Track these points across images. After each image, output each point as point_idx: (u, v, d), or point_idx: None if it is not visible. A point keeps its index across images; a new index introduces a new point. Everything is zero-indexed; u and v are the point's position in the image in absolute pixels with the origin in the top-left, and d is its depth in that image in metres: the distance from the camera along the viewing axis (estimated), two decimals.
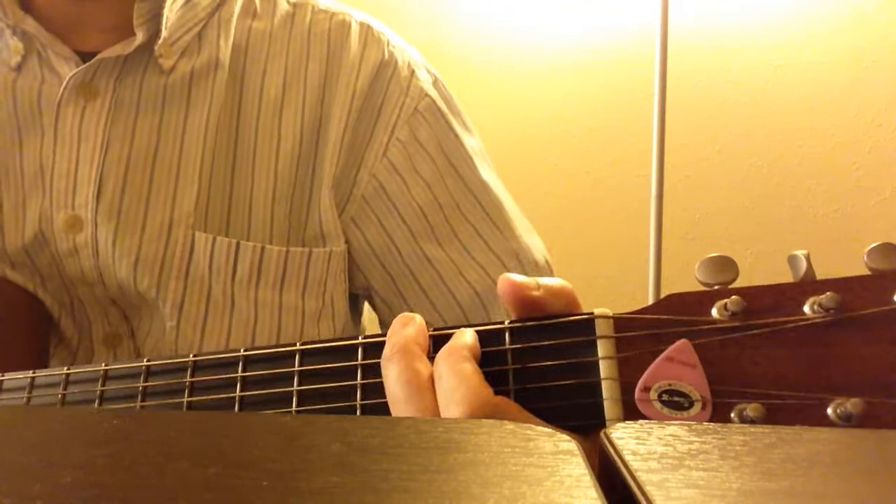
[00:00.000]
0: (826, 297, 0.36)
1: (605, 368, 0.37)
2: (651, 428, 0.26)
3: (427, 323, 0.68)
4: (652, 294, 1.47)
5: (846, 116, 1.68)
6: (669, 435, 0.25)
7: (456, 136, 0.68)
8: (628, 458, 0.23)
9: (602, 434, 0.25)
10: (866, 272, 0.36)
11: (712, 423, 0.27)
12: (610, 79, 1.76)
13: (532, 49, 1.80)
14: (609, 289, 1.69)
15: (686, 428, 0.26)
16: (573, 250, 1.72)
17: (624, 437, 0.25)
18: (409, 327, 0.40)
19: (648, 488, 0.21)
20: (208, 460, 0.23)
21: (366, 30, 0.69)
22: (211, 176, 0.63)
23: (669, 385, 0.36)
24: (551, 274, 0.68)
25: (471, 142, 0.69)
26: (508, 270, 0.66)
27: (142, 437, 0.26)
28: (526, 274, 0.68)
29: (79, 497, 0.21)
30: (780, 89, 1.70)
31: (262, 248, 0.62)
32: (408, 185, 0.66)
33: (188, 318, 0.61)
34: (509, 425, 0.26)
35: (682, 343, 0.37)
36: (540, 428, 0.25)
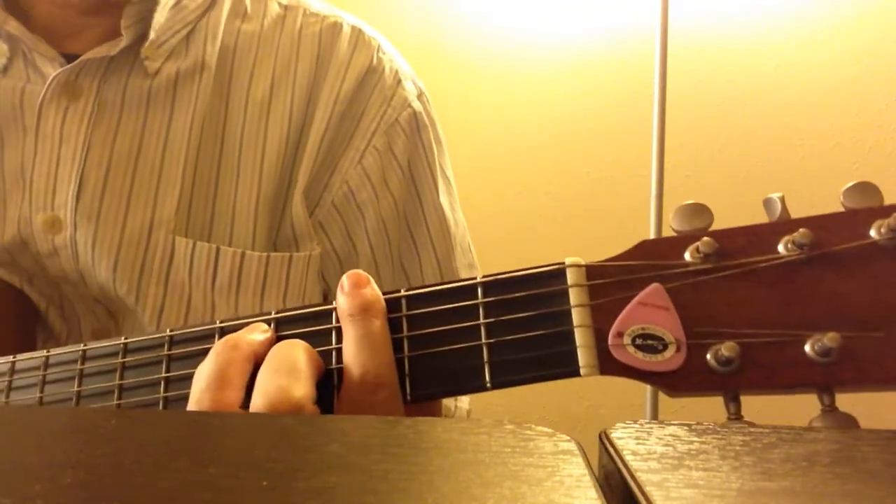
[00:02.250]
0: (799, 234, 0.35)
1: (577, 316, 0.37)
2: (651, 428, 0.26)
3: None
4: None
5: (846, 116, 1.68)
6: (669, 435, 0.25)
7: (427, 154, 0.67)
8: (628, 458, 0.23)
9: (602, 434, 0.25)
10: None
11: (712, 424, 0.27)
12: (610, 79, 1.76)
13: (532, 49, 1.80)
14: None
15: (686, 428, 0.26)
16: (573, 250, 1.71)
17: (624, 437, 0.25)
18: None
19: (648, 488, 0.21)
20: (208, 460, 0.23)
21: (357, 33, 0.68)
22: (194, 179, 0.62)
23: (643, 329, 0.36)
24: None
25: (440, 163, 0.69)
26: None
27: (142, 437, 0.26)
28: None
29: (79, 497, 0.21)
30: (780, 89, 1.70)
31: (243, 254, 0.62)
32: (378, 197, 0.65)
33: (168, 324, 0.60)
34: (509, 425, 0.26)
35: (654, 287, 0.37)
36: (540, 428, 0.25)
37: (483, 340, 0.39)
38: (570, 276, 0.39)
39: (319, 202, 0.65)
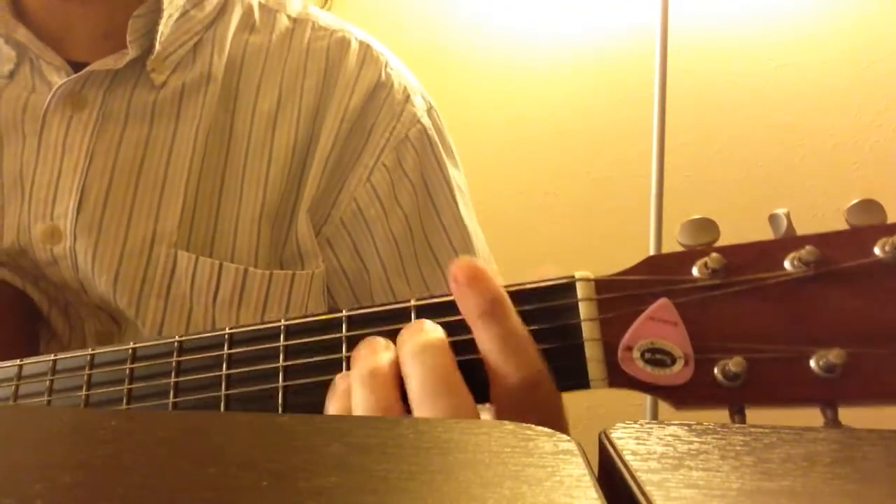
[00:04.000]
0: (805, 252, 0.36)
1: (587, 330, 0.38)
2: (651, 428, 0.26)
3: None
4: None
5: (846, 116, 1.68)
6: (669, 435, 0.25)
7: (441, 168, 0.67)
8: (628, 458, 0.23)
9: (602, 434, 0.25)
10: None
11: (712, 424, 0.27)
12: (610, 79, 1.76)
13: (532, 49, 1.79)
14: None
15: (686, 428, 0.26)
16: (573, 250, 1.72)
17: (624, 437, 0.25)
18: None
19: (648, 488, 0.21)
20: (208, 460, 0.23)
21: (365, 49, 0.67)
22: (197, 192, 0.62)
23: (652, 343, 0.37)
24: None
25: (455, 176, 0.68)
26: None
27: (142, 437, 0.26)
28: None
29: (79, 497, 0.21)
30: (780, 89, 1.70)
31: (246, 271, 0.61)
32: (387, 213, 0.64)
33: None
34: (509, 425, 0.26)
35: (662, 302, 0.37)
36: (540, 428, 0.25)
37: None
38: (580, 290, 0.39)
39: (327, 219, 0.64)
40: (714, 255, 0.37)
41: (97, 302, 0.62)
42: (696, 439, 0.25)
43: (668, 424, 0.26)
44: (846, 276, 0.36)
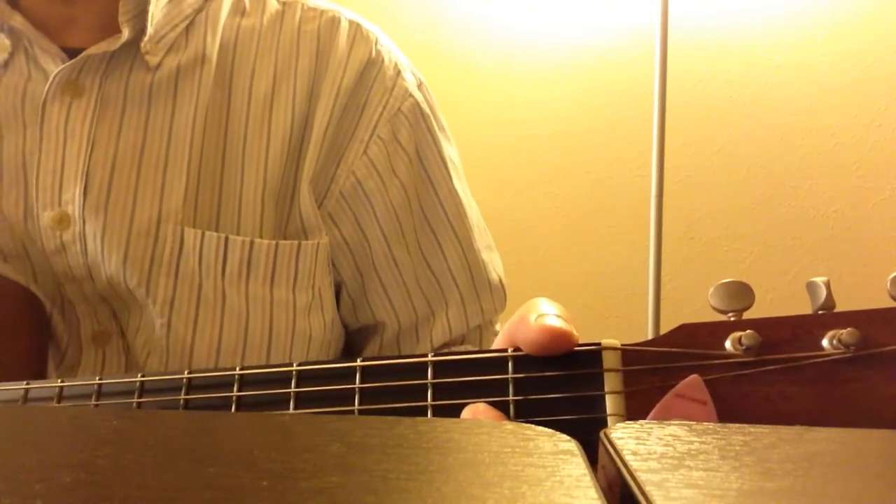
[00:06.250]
0: (847, 333, 0.34)
1: (611, 404, 0.36)
2: (651, 428, 0.26)
3: (384, 324, 0.69)
4: (651, 293, 1.47)
5: (846, 116, 1.68)
6: (669, 435, 0.25)
7: (434, 141, 0.68)
8: (628, 458, 0.23)
9: (602, 434, 0.25)
10: (887, 299, 0.35)
11: (712, 424, 0.27)
12: (610, 79, 1.76)
13: (531, 49, 1.79)
14: (608, 288, 1.69)
15: (686, 428, 0.26)
16: (573, 250, 1.72)
17: (624, 437, 0.25)
18: None
19: (648, 488, 0.21)
20: (208, 460, 0.23)
21: (355, 28, 0.69)
22: (200, 171, 0.63)
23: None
24: (504, 293, 0.70)
25: (448, 149, 0.70)
26: (458, 284, 0.68)
27: (142, 437, 0.26)
28: (476, 289, 0.69)
29: (79, 497, 0.21)
30: (780, 89, 1.70)
31: (252, 243, 0.62)
32: (385, 185, 0.66)
33: (179, 314, 0.61)
34: (509, 425, 0.26)
35: (693, 379, 0.35)
36: (540, 428, 0.25)
37: (512, 418, 0.38)
38: (606, 360, 0.37)
39: (327, 193, 0.66)
40: (749, 331, 0.35)
41: (102, 289, 0.62)
42: (696, 439, 0.25)
43: (668, 424, 0.26)
44: (888, 359, 0.34)
